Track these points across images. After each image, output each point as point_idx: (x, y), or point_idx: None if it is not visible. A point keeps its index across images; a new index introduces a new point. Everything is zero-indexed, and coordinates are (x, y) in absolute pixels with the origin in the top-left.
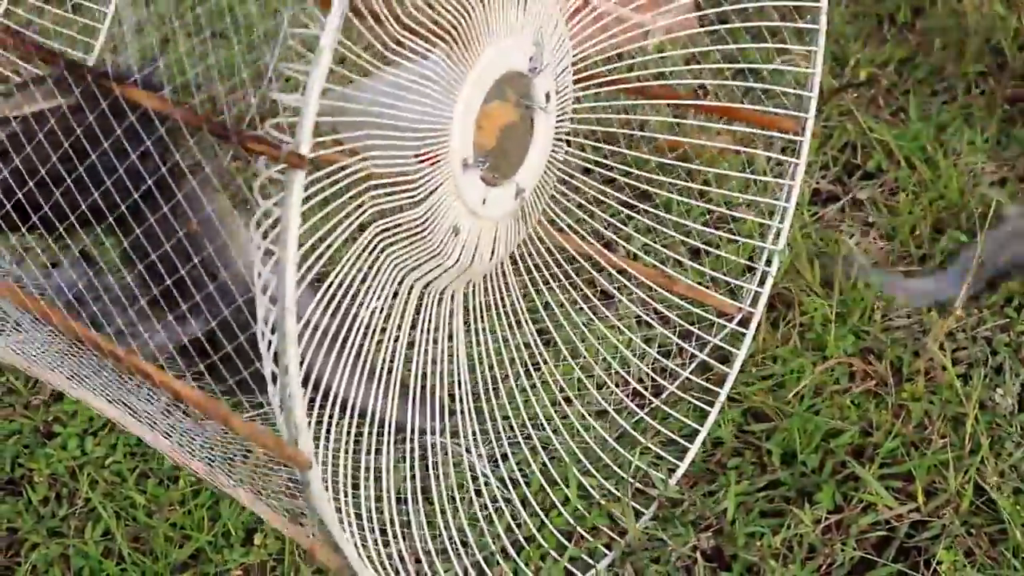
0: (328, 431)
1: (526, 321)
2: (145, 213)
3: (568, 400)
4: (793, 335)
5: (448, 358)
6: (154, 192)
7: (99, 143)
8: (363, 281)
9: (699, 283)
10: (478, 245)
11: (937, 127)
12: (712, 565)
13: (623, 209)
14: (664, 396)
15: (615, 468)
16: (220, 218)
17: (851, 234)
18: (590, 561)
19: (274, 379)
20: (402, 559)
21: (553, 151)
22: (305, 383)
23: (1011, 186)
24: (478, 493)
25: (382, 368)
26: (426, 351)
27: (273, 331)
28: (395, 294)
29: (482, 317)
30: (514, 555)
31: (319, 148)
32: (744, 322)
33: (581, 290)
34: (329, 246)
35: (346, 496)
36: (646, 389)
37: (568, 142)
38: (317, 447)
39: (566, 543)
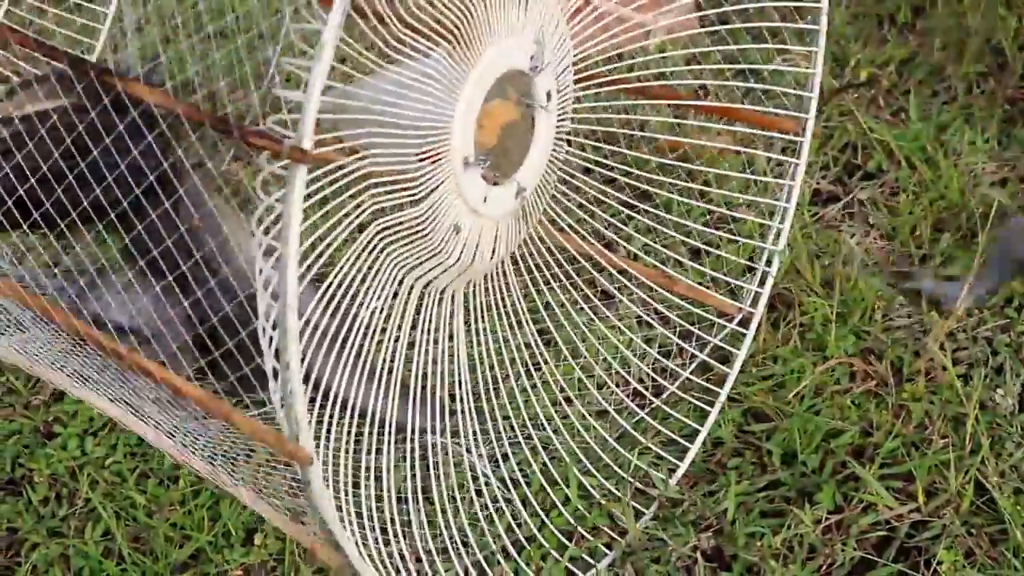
0: (328, 431)
1: (527, 321)
2: (147, 209)
3: (568, 400)
4: (793, 335)
5: (448, 358)
6: (156, 188)
7: (101, 139)
8: (363, 281)
9: (699, 283)
10: (479, 244)
11: (937, 127)
12: (712, 565)
13: (623, 209)
14: (664, 396)
15: (615, 468)
16: (221, 214)
17: (851, 234)
18: (591, 561)
19: (275, 375)
20: (403, 558)
21: (554, 150)
22: (305, 382)
23: (1012, 186)
24: (479, 493)
25: (382, 368)
26: (426, 351)
27: (275, 327)
28: (395, 294)
29: (482, 317)
30: (515, 555)
31: (320, 146)
32: (744, 322)
33: (582, 290)
34: (330, 245)
35: (347, 495)
36: (646, 389)
37: (569, 142)
38: (318, 446)
39: (567, 543)
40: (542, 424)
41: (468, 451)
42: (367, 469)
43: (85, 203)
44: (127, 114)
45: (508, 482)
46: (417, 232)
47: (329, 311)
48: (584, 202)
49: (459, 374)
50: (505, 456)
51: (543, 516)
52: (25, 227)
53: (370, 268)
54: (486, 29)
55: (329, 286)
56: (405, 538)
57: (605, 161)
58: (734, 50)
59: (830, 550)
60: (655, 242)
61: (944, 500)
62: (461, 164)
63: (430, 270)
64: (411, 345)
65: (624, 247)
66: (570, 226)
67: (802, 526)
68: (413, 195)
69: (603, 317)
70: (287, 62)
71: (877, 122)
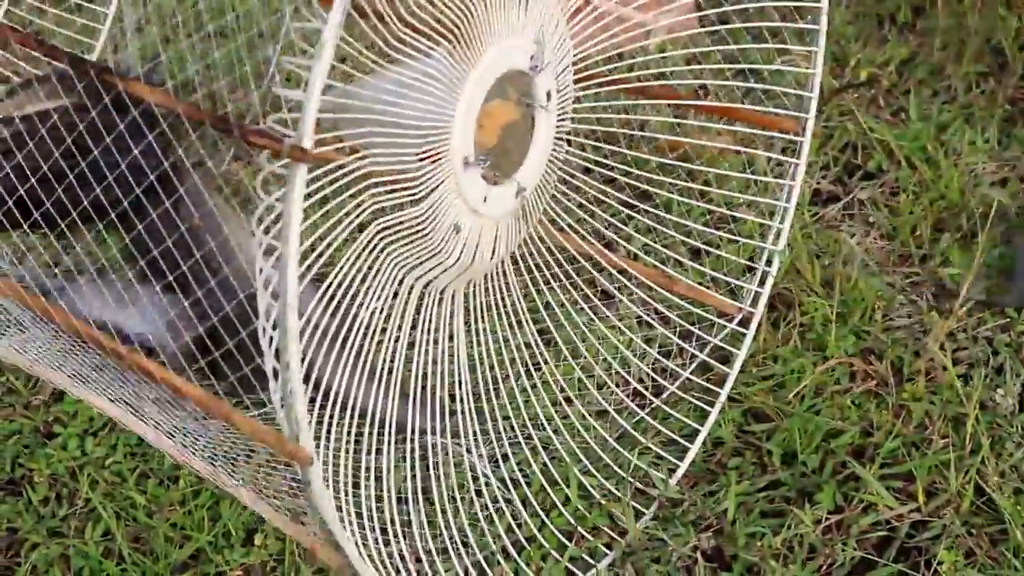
0: (328, 431)
1: (527, 321)
2: (147, 209)
3: (569, 400)
4: (793, 335)
5: (448, 358)
6: (156, 188)
7: (102, 139)
8: (363, 280)
9: (699, 283)
10: (479, 244)
11: (938, 127)
12: (712, 565)
13: (623, 209)
14: (664, 396)
15: (615, 468)
16: (222, 214)
17: (852, 234)
18: (591, 561)
19: (275, 375)
20: (403, 558)
21: (554, 150)
22: (305, 382)
23: (1012, 186)
24: (479, 493)
25: (382, 368)
26: (426, 351)
27: (275, 327)
28: (395, 294)
29: (482, 317)
30: (515, 555)
31: (321, 144)
32: (744, 322)
33: (582, 290)
34: (330, 244)
35: (347, 495)
36: (646, 389)
37: (569, 141)
38: (318, 447)
39: (567, 543)
40: (542, 424)
41: (468, 451)
42: (367, 469)
43: (85, 203)
44: (127, 113)
45: (508, 482)
46: (417, 232)
47: (329, 311)
48: (584, 202)
49: (459, 374)
50: (505, 456)
51: (543, 516)
52: (25, 227)
53: (370, 268)
54: (486, 29)
55: (329, 286)
56: (405, 538)
57: (605, 161)
58: (734, 50)
59: (830, 550)
60: (655, 242)
61: (944, 500)
62: (461, 164)
63: (430, 270)
64: (411, 345)
65: (624, 247)
66: (570, 226)
67: (802, 526)
68: (413, 195)
69: (603, 317)
70: (287, 61)
71: (877, 122)
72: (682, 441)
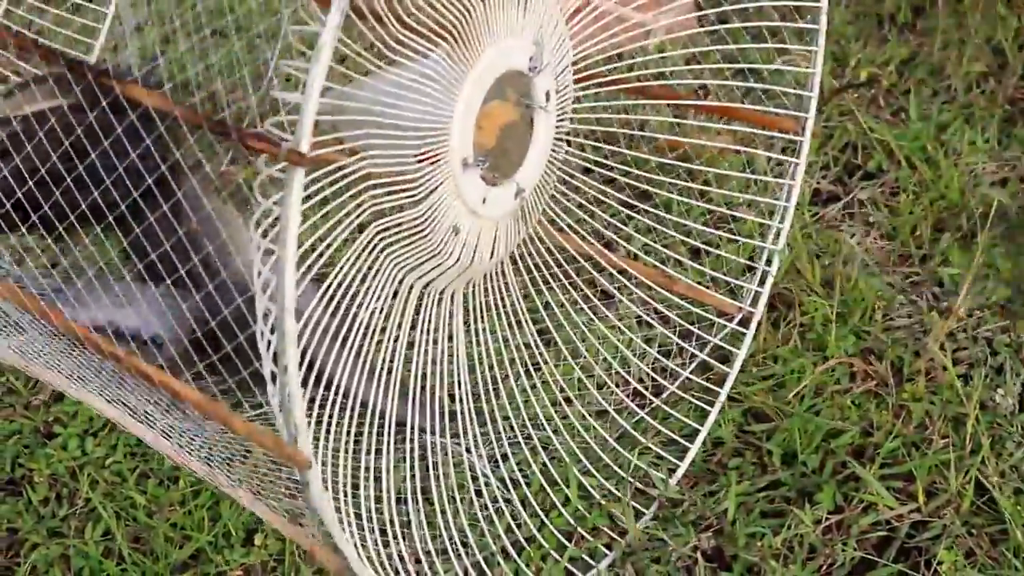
0: (328, 431)
1: (526, 321)
2: (145, 212)
3: (568, 400)
4: (794, 335)
5: (448, 358)
6: (154, 191)
7: (99, 142)
8: (363, 281)
9: (699, 283)
10: (478, 245)
11: (938, 127)
12: (713, 565)
13: (623, 209)
14: (664, 396)
15: (615, 468)
16: (220, 216)
17: (852, 234)
18: (591, 561)
19: (273, 379)
20: (402, 559)
21: (553, 150)
22: (306, 377)
23: (1012, 186)
24: (478, 493)
25: (382, 368)
26: (426, 351)
27: (272, 331)
28: (395, 294)
29: (482, 317)
30: (515, 555)
31: (319, 147)
32: (744, 322)
33: (581, 290)
34: (329, 246)
35: (346, 496)
36: (646, 389)
37: (568, 142)
38: (316, 447)
39: (566, 543)
40: (542, 424)
41: (468, 451)
42: (367, 470)
43: (84, 206)
44: (125, 116)
45: (508, 482)
46: (416, 233)
47: (329, 311)
48: (584, 202)
49: (458, 374)
50: (505, 456)
51: (543, 517)
52: (23, 229)
53: (369, 269)
54: (485, 30)
55: (329, 286)
56: (405, 539)
57: (605, 161)
58: (733, 50)
59: (830, 550)
60: (655, 242)
61: (944, 500)
62: (460, 165)
63: (429, 271)
64: (410, 345)
65: (624, 247)
66: (570, 226)
67: (802, 526)
68: (412, 196)
69: (603, 317)
70: (285, 64)
71: (877, 122)
72: (682, 441)
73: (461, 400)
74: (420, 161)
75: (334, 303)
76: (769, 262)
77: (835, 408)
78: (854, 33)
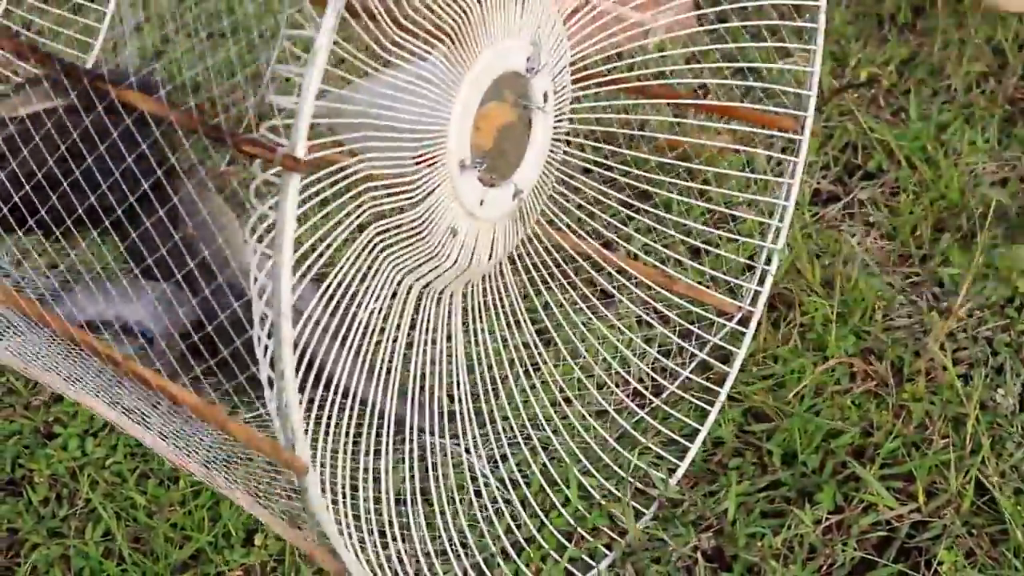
0: (327, 432)
1: (525, 322)
2: (142, 215)
3: (568, 400)
4: (793, 335)
5: (447, 359)
6: (149, 195)
7: (95, 145)
8: (361, 282)
9: (699, 283)
10: (476, 246)
11: (938, 127)
12: (713, 565)
13: (623, 209)
14: (664, 396)
15: (615, 468)
16: (216, 219)
17: (852, 234)
18: (590, 562)
19: (271, 384)
20: (401, 561)
21: (551, 151)
22: (306, 375)
23: (1012, 186)
24: (478, 494)
25: (381, 368)
26: (424, 352)
27: (270, 335)
28: (393, 294)
29: (481, 317)
30: (514, 556)
31: (316, 150)
32: (744, 321)
33: (580, 290)
34: (328, 248)
35: (344, 498)
36: (646, 389)
37: (568, 142)
38: (315, 448)
39: (566, 544)
40: (541, 425)
41: (467, 451)
42: (365, 471)
43: (80, 211)
44: (121, 118)
45: (507, 483)
46: (414, 235)
47: (328, 312)
48: (583, 202)
49: (457, 375)
50: (504, 457)
51: (543, 517)
52: (19, 232)
53: (367, 270)
54: (482, 31)
55: (328, 288)
56: (404, 540)
57: (605, 161)
58: (733, 49)
59: (830, 550)
60: (655, 242)
61: (945, 500)
62: (457, 167)
63: (427, 272)
64: (409, 345)
65: (624, 247)
66: (569, 226)
67: (802, 526)
68: (409, 198)
69: (602, 317)
70: (281, 68)
71: (877, 122)
72: (682, 441)
73: (460, 401)
74: (417, 163)
75: (333, 303)
76: (769, 261)
77: (835, 408)
78: (854, 33)
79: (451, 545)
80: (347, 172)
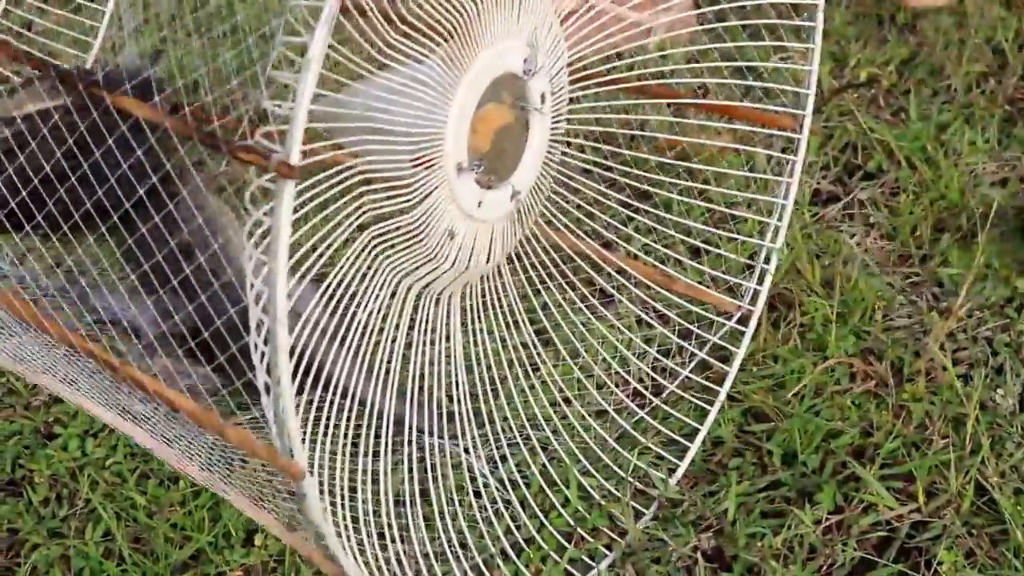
0: (325, 434)
1: (524, 322)
2: (140, 218)
3: (568, 401)
4: (793, 335)
5: (446, 359)
6: (148, 198)
7: (90, 149)
8: (359, 284)
9: (699, 282)
10: (474, 248)
11: (938, 127)
12: (713, 566)
13: (623, 210)
14: (664, 395)
15: (615, 468)
16: (210, 224)
17: (852, 234)
18: (590, 563)
19: (267, 390)
20: (400, 563)
21: (549, 152)
22: (306, 374)
23: (1012, 186)
24: (477, 495)
25: (379, 369)
26: (423, 352)
27: (266, 342)
28: (392, 295)
29: (480, 318)
30: (514, 557)
31: (314, 153)
32: (744, 320)
33: (579, 290)
34: (325, 251)
35: (343, 500)
36: (646, 389)
37: (568, 143)
38: (313, 450)
39: (566, 544)
40: (541, 425)
41: (466, 451)
42: (364, 472)
43: (76, 216)
44: (116, 124)
45: (507, 484)
46: (411, 238)
47: (326, 315)
48: (583, 203)
49: (455, 375)
50: (504, 458)
51: (542, 518)
52: (16, 236)
53: (365, 273)
54: (479, 33)
55: (326, 290)
56: (403, 542)
57: (604, 162)
58: (732, 48)
59: (830, 550)
60: (655, 242)
61: (944, 500)
62: (455, 170)
63: (426, 275)
64: (408, 346)
65: (624, 247)
66: (568, 227)
67: (802, 526)
68: (407, 201)
69: (602, 317)
70: (275, 75)
71: (877, 122)
72: (682, 441)
73: (459, 401)
74: (415, 166)
75: (331, 305)
76: (768, 260)
77: (835, 408)
78: (854, 33)
79: (450, 546)
80: (343, 176)
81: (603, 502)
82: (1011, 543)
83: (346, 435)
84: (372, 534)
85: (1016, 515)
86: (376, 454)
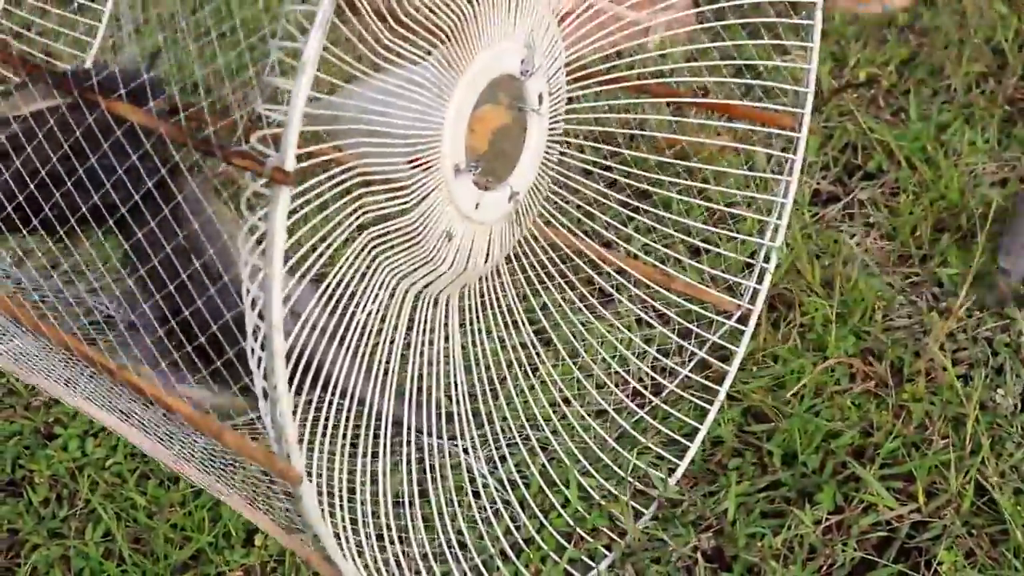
0: (324, 435)
1: (523, 322)
2: (139, 219)
3: (567, 401)
4: (793, 335)
5: (445, 360)
6: (143, 200)
7: (85, 153)
8: (359, 283)
9: (699, 281)
10: (472, 249)
11: (937, 127)
12: (713, 566)
13: (622, 210)
14: (664, 395)
15: (615, 468)
16: (206, 230)
17: (852, 235)
18: (590, 563)
19: (265, 395)
20: (399, 564)
21: (547, 152)
22: (305, 373)
23: (1012, 186)
24: (476, 495)
25: (378, 370)
26: (422, 353)
27: (263, 348)
28: (392, 294)
29: (479, 318)
30: (513, 558)
31: (311, 156)
32: (743, 319)
33: (579, 290)
34: (323, 253)
35: (342, 502)
36: (646, 388)
37: (568, 143)
38: (312, 452)
39: (566, 545)
40: (540, 425)
41: (465, 451)
42: (363, 473)
43: (72, 221)
44: (113, 127)
45: (506, 484)
46: (409, 240)
47: (325, 315)
48: (582, 203)
49: (454, 376)
50: (503, 458)
51: (542, 518)
52: (10, 236)
53: (363, 276)
54: (476, 34)
55: (324, 291)
56: (402, 543)
57: (604, 162)
58: (731, 47)
59: (830, 551)
60: (655, 241)
61: (944, 500)
62: (452, 171)
63: (424, 276)
64: (407, 347)
65: (624, 247)
66: (568, 227)
67: (802, 526)
68: (404, 203)
69: (601, 317)
70: (269, 80)
71: (877, 122)
72: (682, 441)
73: (458, 402)
74: (413, 168)
75: (330, 307)
76: (767, 259)
77: (835, 408)
78: (854, 33)
79: (450, 547)
80: (339, 179)
81: (603, 502)
82: (1011, 543)
83: (344, 436)
84: (371, 535)
85: (1016, 515)
86: (375, 455)
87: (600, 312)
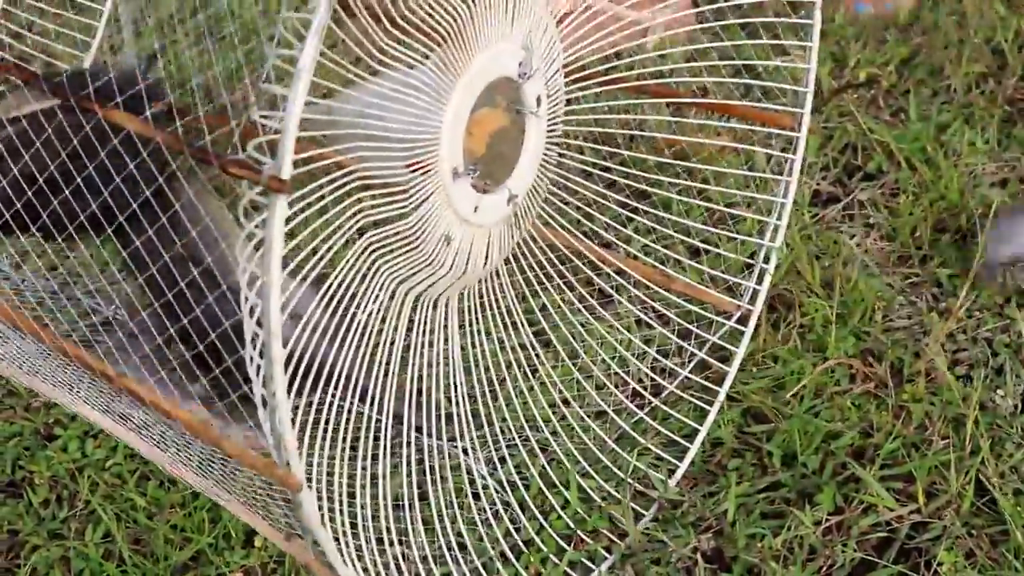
0: (323, 438)
1: (522, 323)
2: (136, 226)
3: (567, 402)
4: (793, 336)
5: (445, 361)
6: (141, 207)
7: (80, 158)
8: (359, 284)
9: (699, 282)
10: (471, 252)
11: (937, 128)
12: (713, 566)
13: (622, 210)
14: (664, 395)
15: (615, 470)
16: (203, 237)
17: (852, 235)
18: (590, 564)
19: (264, 403)
20: (399, 567)
21: (546, 154)
22: (305, 375)
23: (1011, 186)
24: (476, 497)
25: (378, 372)
26: (422, 355)
27: (262, 355)
28: (391, 296)
29: (479, 320)
30: (513, 559)
31: (309, 161)
32: (743, 319)
33: (578, 291)
34: (323, 256)
35: (341, 505)
36: (645, 389)
37: (567, 144)
38: (311, 457)
39: (566, 546)
40: (540, 427)
41: (465, 452)
42: (363, 476)
43: (70, 226)
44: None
45: (506, 485)
46: (407, 244)
47: (325, 317)
48: (581, 204)
49: (453, 377)
50: (503, 459)
51: (542, 520)
52: (5, 240)
53: (361, 281)
54: (473, 37)
55: (324, 294)
56: (402, 545)
57: (604, 163)
58: (731, 47)
59: (830, 551)
60: (654, 242)
61: (944, 501)
62: (450, 175)
63: (423, 280)
64: (407, 348)
65: (623, 248)
66: (567, 228)
67: (802, 527)
68: (402, 208)
69: (600, 317)
70: (266, 87)
71: (877, 122)
72: (682, 441)
73: (458, 403)
74: (411, 172)
75: (330, 310)
76: (767, 259)
77: (835, 409)
78: (854, 33)
79: (450, 549)
80: (337, 185)
81: (603, 504)
82: (1011, 543)
83: (344, 439)
84: (371, 538)
85: (1016, 515)
86: (375, 457)
87: (600, 313)
